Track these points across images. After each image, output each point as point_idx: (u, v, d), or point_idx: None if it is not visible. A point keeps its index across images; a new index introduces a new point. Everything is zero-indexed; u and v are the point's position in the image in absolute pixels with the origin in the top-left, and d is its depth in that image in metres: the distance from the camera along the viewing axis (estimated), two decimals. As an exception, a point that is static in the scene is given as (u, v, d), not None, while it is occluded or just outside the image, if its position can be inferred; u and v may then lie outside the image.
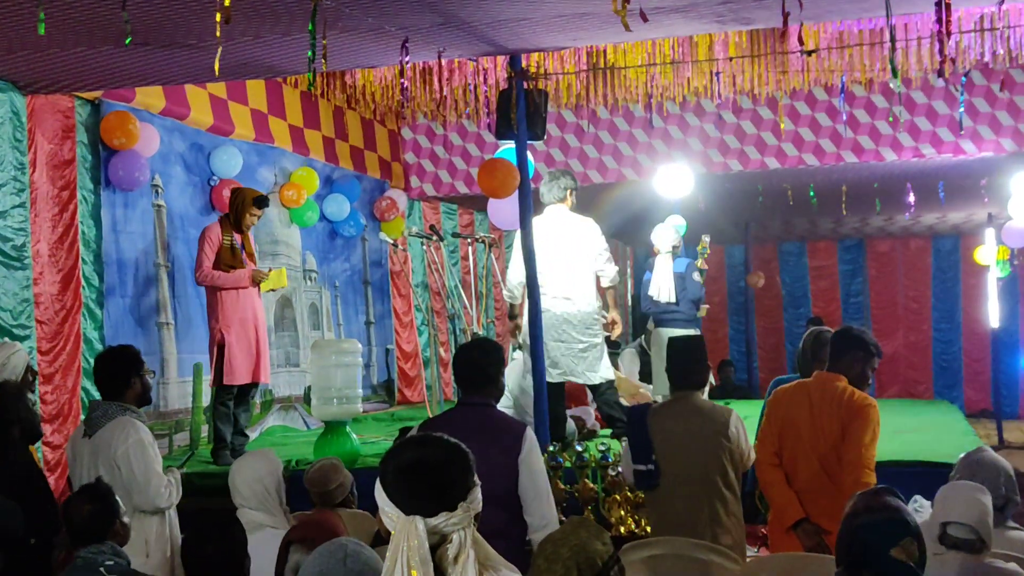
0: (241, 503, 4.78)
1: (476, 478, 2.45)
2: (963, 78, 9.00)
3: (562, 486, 6.46)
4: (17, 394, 5.40)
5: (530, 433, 4.50)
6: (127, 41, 5.03)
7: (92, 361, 7.63)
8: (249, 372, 7.98)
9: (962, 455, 4.74)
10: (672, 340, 5.79)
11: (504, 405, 8.74)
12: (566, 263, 7.93)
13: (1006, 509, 4.45)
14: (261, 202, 8.04)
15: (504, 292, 8.24)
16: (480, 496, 2.43)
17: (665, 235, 9.49)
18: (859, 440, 5.01)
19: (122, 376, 5.23)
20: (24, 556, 4.60)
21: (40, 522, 4.76)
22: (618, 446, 6.52)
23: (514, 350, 9.69)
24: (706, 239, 10.43)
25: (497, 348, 4.77)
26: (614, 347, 10.08)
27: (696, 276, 9.43)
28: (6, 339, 6.59)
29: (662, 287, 9.27)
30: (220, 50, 5.39)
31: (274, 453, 5.01)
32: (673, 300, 9.32)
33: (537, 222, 7.63)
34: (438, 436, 2.50)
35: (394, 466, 2.44)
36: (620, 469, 6.24)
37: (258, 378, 8.10)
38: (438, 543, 2.36)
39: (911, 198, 12.79)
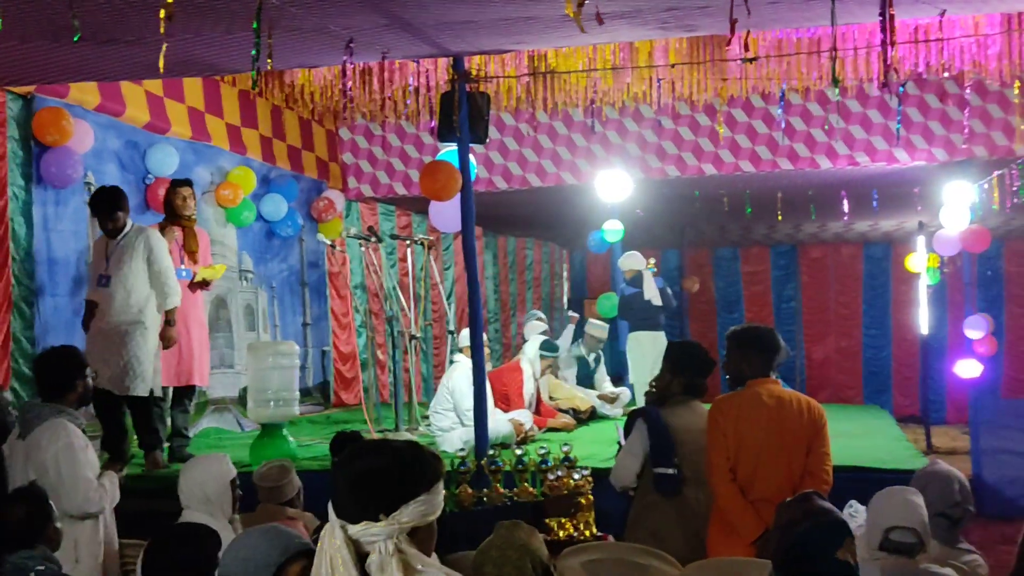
0: (185, 504, 4.73)
1: (425, 494, 2.31)
2: (901, 88, 9.12)
3: (501, 490, 6.42)
4: None
5: None
6: (75, 38, 4.92)
7: (21, 361, 7.50)
8: (172, 374, 7.82)
9: (917, 472, 4.68)
10: (683, 345, 5.79)
11: (446, 407, 8.69)
12: None
13: (962, 521, 4.40)
14: (177, 182, 8.08)
15: (178, 298, 7.58)
16: (422, 511, 2.30)
17: (636, 259, 11.75)
18: (824, 451, 4.99)
19: (67, 377, 5.13)
20: None
21: None
22: (558, 449, 6.49)
23: (452, 352, 9.66)
24: (652, 261, 12.34)
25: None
26: (552, 350, 10.03)
27: (668, 290, 11.83)
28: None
29: (653, 295, 11.43)
30: (164, 47, 5.28)
31: (228, 460, 4.91)
32: (661, 304, 11.48)
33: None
34: (391, 443, 2.41)
35: (337, 467, 2.41)
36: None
37: (187, 380, 7.94)
38: (367, 551, 2.29)
39: (845, 205, 12.95)
